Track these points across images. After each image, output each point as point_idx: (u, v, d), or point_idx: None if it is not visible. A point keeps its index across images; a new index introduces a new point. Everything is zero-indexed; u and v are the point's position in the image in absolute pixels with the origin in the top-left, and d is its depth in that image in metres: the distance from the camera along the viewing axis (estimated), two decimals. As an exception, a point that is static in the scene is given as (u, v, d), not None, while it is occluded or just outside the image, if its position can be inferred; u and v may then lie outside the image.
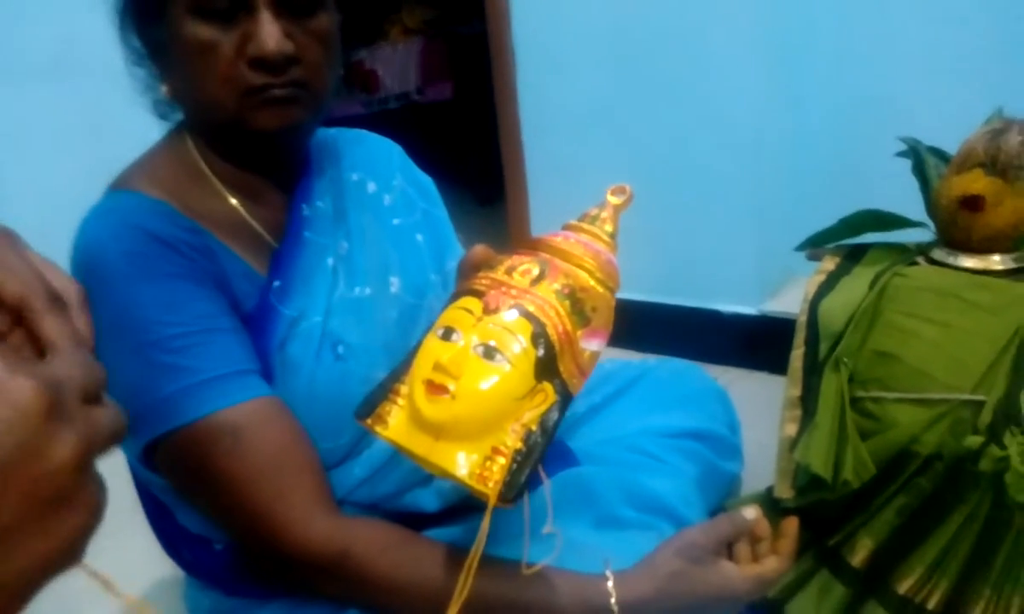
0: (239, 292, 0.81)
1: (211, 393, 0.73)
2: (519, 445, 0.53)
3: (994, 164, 0.98)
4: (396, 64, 3.37)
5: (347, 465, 0.83)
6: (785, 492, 1.00)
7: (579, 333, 0.56)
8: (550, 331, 0.54)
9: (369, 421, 0.57)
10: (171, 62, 0.80)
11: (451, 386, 0.53)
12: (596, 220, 0.63)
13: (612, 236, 0.63)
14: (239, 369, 0.75)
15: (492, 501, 0.51)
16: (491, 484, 0.52)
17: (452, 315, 0.57)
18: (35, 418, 0.27)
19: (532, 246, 0.61)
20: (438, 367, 0.54)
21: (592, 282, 0.58)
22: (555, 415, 0.55)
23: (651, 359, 1.32)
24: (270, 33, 0.75)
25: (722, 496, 1.16)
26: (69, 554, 0.29)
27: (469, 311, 0.56)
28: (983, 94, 1.15)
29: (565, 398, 0.56)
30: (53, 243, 0.53)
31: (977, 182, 0.98)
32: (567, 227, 0.63)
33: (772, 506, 1.04)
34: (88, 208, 0.79)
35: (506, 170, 2.33)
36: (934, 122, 1.23)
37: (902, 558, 0.92)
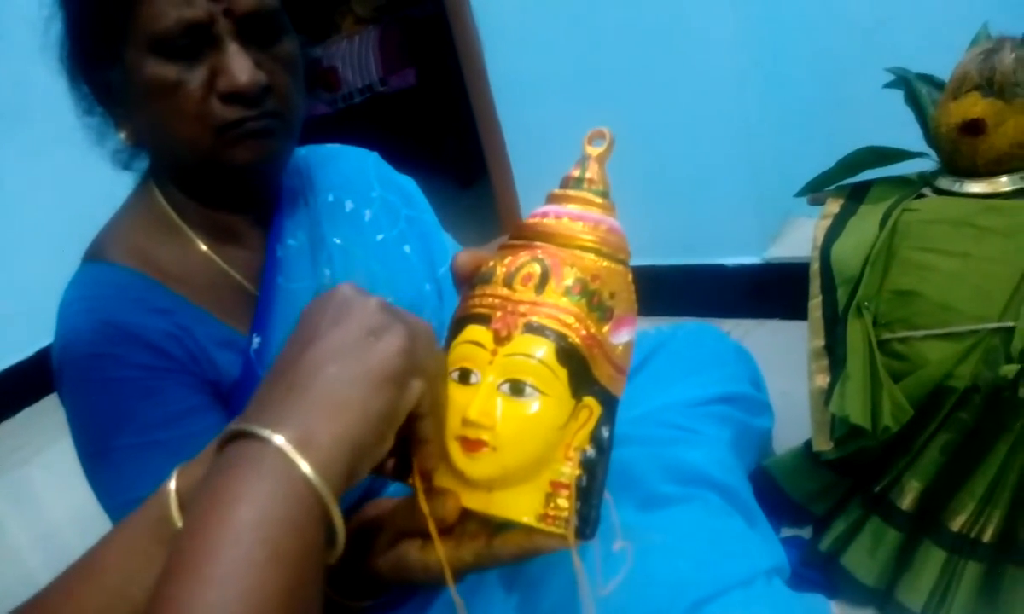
0: (221, 363, 0.79)
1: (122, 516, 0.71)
2: (577, 471, 0.49)
3: (990, 85, 0.96)
4: (354, 57, 3.29)
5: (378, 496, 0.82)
6: (823, 445, 1.00)
7: (605, 329, 0.51)
8: (573, 340, 0.49)
9: (411, 481, 0.52)
10: (131, 105, 0.77)
11: (487, 438, 0.49)
12: (582, 183, 0.55)
13: (605, 195, 0.55)
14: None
15: (571, 540, 0.48)
16: (561, 523, 0.48)
17: (463, 352, 0.51)
18: (347, 290, 0.49)
19: (523, 235, 0.55)
20: (467, 422, 0.49)
21: (602, 262, 0.52)
22: (605, 427, 0.51)
23: (664, 325, 1.31)
24: (242, 66, 0.73)
25: (757, 454, 1.16)
26: (390, 368, 0.45)
27: (480, 344, 0.50)
28: (967, 13, 1.13)
29: (611, 405, 0.51)
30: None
31: (976, 106, 0.97)
32: (551, 198, 0.56)
33: (812, 460, 1.04)
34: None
35: (486, 149, 2.30)
36: (920, 47, 1.21)
37: (952, 495, 0.92)
